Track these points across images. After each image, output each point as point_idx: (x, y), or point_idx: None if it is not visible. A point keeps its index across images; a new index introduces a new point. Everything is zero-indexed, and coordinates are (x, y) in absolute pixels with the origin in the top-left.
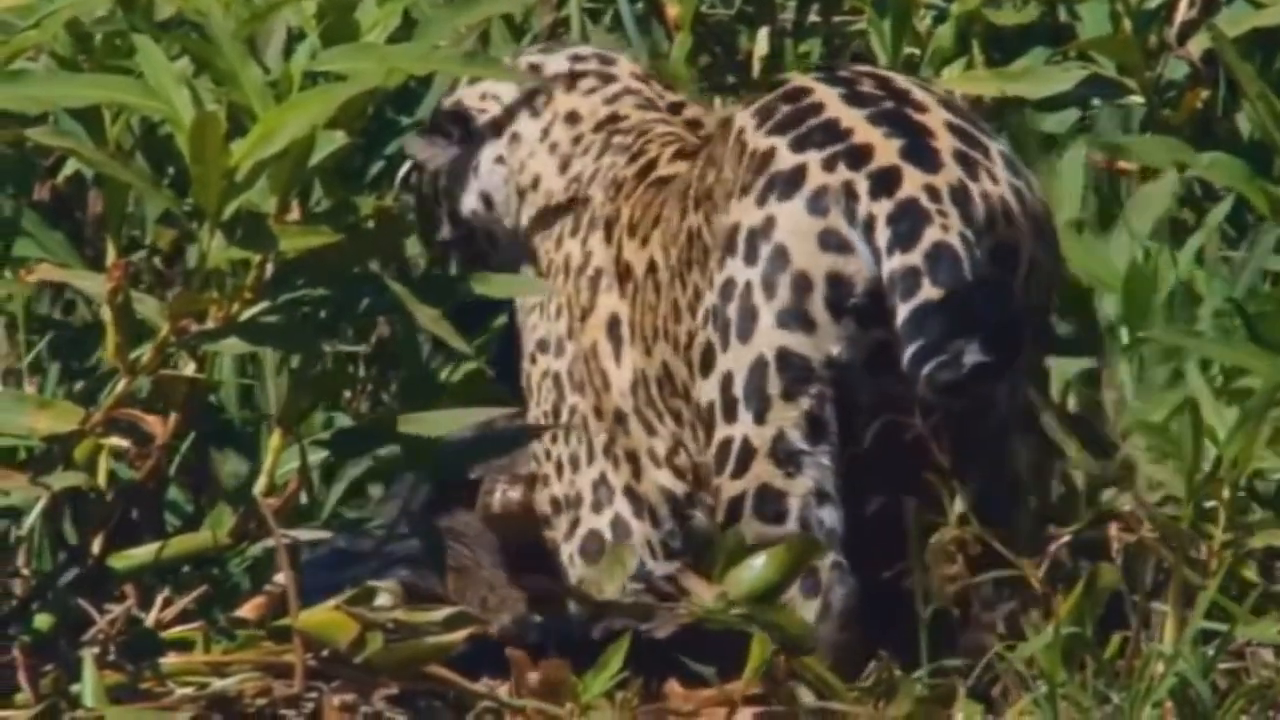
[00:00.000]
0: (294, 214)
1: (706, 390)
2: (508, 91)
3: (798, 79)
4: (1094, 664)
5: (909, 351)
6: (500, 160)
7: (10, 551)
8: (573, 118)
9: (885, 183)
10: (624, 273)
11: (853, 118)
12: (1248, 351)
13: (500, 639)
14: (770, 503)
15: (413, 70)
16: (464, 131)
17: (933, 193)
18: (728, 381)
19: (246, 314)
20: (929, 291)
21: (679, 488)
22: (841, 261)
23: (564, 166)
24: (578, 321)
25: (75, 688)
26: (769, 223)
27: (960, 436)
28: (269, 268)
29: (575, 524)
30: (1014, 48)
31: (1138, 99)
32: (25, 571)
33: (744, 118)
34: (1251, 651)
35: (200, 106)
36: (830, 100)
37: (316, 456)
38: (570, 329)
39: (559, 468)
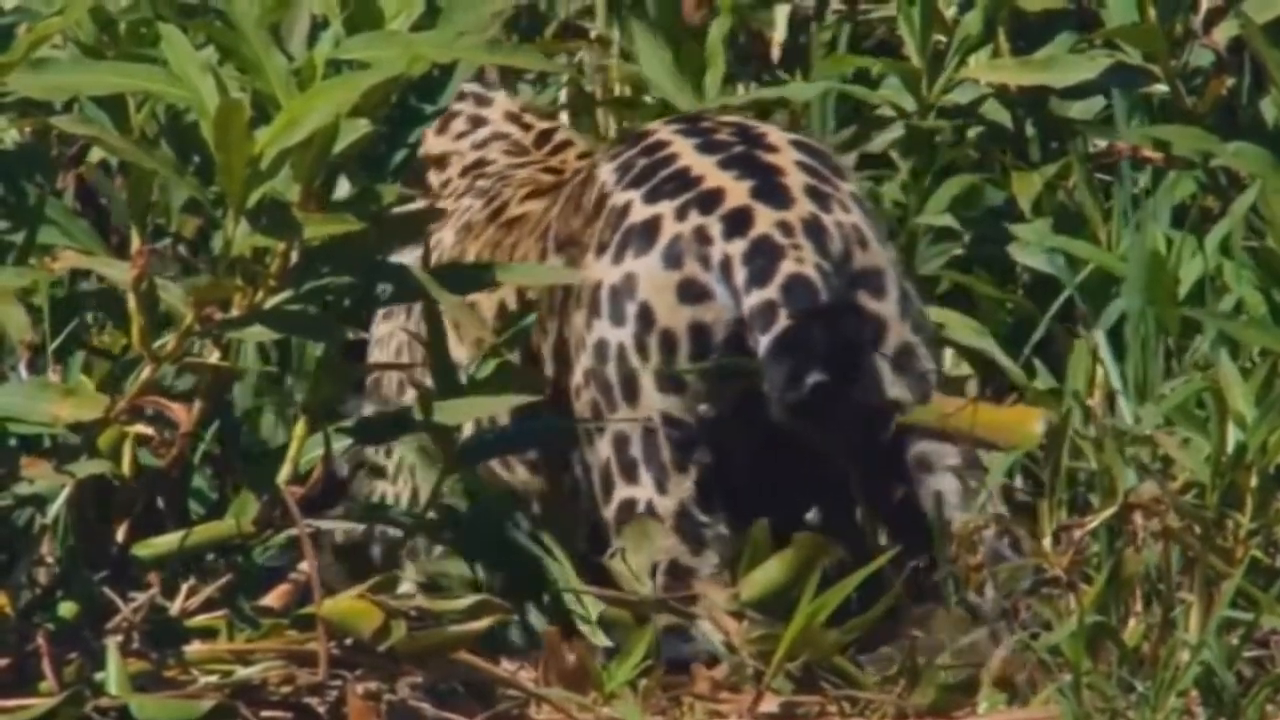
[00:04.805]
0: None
1: (601, 448)
2: None
3: (659, 130)
4: (1118, 652)
5: (766, 379)
6: None
7: (35, 539)
8: (440, 162)
9: (738, 223)
10: None
11: (703, 165)
12: (1276, 335)
13: None
14: (680, 577)
15: (436, 58)
16: None
17: (785, 228)
18: (623, 443)
19: (271, 302)
20: (784, 321)
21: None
22: (701, 310)
23: None
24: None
25: (99, 676)
26: (629, 280)
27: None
28: (293, 255)
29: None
30: (1040, 35)
31: (1162, 87)
32: (50, 559)
33: (606, 172)
34: (1277, 640)
35: (224, 94)
36: (684, 150)
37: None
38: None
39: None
